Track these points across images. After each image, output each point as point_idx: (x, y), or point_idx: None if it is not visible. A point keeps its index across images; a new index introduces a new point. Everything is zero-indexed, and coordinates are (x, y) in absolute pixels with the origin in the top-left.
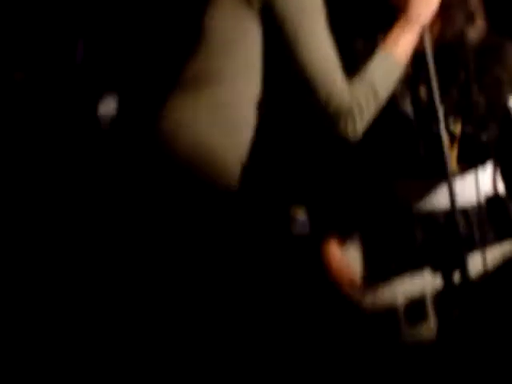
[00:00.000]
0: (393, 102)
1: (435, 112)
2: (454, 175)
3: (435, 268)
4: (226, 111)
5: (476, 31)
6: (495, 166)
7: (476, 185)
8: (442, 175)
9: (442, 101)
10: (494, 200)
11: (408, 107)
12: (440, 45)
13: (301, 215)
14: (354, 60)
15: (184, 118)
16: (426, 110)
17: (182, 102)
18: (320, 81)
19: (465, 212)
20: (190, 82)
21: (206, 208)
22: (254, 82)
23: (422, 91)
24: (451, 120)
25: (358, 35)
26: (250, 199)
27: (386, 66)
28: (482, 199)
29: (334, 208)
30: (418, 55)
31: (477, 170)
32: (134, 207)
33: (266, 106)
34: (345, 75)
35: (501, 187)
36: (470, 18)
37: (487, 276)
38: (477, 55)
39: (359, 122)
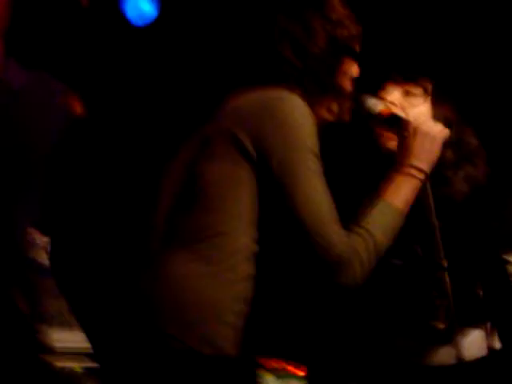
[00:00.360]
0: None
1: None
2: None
3: None
4: (224, 265)
5: (472, 174)
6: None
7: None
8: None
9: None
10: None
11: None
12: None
13: None
14: (356, 205)
15: (185, 274)
16: (425, 268)
17: (181, 258)
18: (318, 232)
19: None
20: (188, 237)
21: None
22: (251, 234)
23: (422, 250)
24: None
25: (365, 181)
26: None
27: (386, 214)
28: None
29: (333, 365)
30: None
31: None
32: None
33: (262, 258)
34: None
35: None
36: (465, 159)
37: None
38: (473, 204)
39: (359, 272)
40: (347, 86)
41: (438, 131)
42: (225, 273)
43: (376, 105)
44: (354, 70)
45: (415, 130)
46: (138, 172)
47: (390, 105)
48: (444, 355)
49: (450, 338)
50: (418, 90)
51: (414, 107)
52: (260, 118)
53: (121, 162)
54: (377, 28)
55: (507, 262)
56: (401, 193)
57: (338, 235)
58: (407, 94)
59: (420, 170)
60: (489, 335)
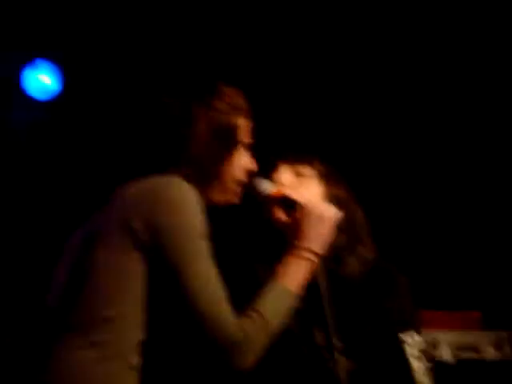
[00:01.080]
0: (289, 339)
1: (331, 352)
2: None
3: None
4: (112, 352)
5: (364, 254)
6: None
7: None
8: None
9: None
10: None
11: (304, 346)
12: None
13: None
14: (257, 285)
15: (75, 361)
16: (321, 350)
17: (73, 345)
18: (208, 315)
19: None
20: (78, 324)
21: None
22: (140, 323)
23: (317, 332)
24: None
25: (260, 261)
26: None
27: (278, 297)
28: None
29: None
30: (312, 290)
31: None
32: None
33: (156, 346)
34: (248, 301)
35: None
36: (357, 241)
37: None
38: (367, 284)
39: (249, 354)
40: (236, 174)
41: (330, 213)
42: (113, 360)
43: (267, 187)
44: (245, 158)
45: (307, 212)
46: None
47: (280, 187)
48: None
49: None
50: (309, 171)
51: (307, 189)
52: (149, 203)
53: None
54: (268, 108)
55: (403, 341)
56: (293, 275)
57: (228, 318)
58: (298, 175)
59: (312, 252)
60: None
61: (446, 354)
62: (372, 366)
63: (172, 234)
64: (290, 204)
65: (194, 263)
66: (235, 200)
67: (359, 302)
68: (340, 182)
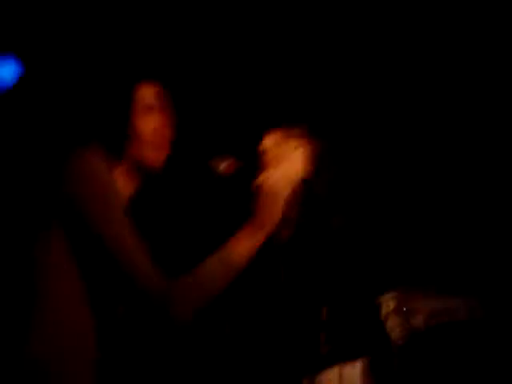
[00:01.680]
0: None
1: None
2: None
3: None
4: (64, 330)
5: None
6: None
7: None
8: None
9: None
10: None
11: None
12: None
13: None
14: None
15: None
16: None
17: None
18: (131, 273)
19: None
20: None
21: None
22: (77, 298)
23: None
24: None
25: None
26: None
27: (219, 263)
28: None
29: None
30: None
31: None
32: None
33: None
34: None
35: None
36: (323, 211)
37: None
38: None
39: (182, 306)
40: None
41: (287, 191)
42: (68, 335)
43: (219, 164)
44: (151, 121)
45: (263, 189)
46: None
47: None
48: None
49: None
50: (294, 132)
51: (291, 150)
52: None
53: None
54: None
55: (379, 302)
56: (241, 247)
57: (154, 276)
58: (281, 141)
59: (261, 228)
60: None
61: (418, 321)
62: (348, 324)
63: (85, 204)
64: (246, 181)
65: (115, 231)
66: (160, 154)
67: (327, 266)
68: (320, 140)
